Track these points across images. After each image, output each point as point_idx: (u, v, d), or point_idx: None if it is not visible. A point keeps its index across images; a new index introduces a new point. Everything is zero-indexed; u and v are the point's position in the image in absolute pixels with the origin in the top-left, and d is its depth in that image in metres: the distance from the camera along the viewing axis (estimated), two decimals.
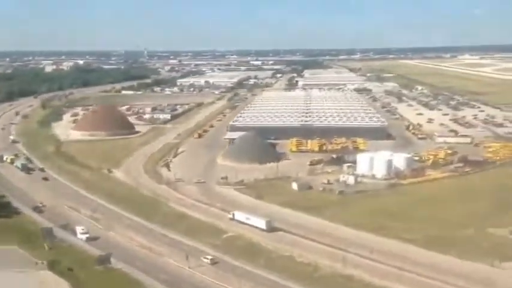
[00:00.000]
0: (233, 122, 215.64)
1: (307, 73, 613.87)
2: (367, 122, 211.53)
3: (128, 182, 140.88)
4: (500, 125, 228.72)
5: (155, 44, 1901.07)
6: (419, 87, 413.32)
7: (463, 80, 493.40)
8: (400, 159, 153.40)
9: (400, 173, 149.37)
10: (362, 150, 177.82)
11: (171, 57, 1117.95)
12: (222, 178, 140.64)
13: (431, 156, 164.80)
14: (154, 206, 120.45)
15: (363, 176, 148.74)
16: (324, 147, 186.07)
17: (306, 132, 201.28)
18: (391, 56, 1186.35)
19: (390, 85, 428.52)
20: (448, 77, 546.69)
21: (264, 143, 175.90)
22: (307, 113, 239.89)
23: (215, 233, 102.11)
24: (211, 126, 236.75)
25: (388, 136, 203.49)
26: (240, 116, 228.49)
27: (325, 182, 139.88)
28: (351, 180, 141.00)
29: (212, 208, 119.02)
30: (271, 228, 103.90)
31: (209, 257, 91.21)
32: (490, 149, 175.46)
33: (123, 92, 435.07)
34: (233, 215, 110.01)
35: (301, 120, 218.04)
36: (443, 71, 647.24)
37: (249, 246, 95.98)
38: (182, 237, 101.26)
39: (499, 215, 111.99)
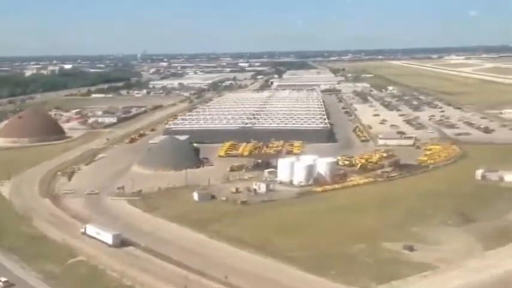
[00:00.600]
0: (168, 125, 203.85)
1: (287, 74, 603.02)
2: (309, 125, 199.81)
3: (6, 196, 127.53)
4: (452, 126, 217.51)
5: (158, 47, 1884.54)
6: (390, 88, 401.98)
7: (440, 80, 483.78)
8: (322, 165, 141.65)
9: (321, 179, 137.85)
10: (296, 154, 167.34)
11: (165, 59, 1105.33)
12: (118, 188, 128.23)
13: (363, 160, 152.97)
14: (10, 225, 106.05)
15: (282, 182, 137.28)
16: (257, 151, 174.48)
17: (244, 135, 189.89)
18: (380, 57, 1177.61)
19: (362, 86, 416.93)
20: (427, 77, 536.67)
21: (185, 148, 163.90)
22: (255, 114, 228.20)
23: (62, 257, 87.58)
24: (153, 130, 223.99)
25: (330, 139, 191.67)
26: (181, 119, 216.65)
27: (234, 190, 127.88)
28: (262, 188, 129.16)
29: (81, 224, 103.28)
30: (119, 243, 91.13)
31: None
32: (428, 152, 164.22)
33: (93, 95, 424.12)
34: (85, 228, 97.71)
35: (242, 123, 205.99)
36: (425, 72, 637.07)
37: (89, 275, 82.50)
38: (18, 266, 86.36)
39: (403, 226, 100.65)
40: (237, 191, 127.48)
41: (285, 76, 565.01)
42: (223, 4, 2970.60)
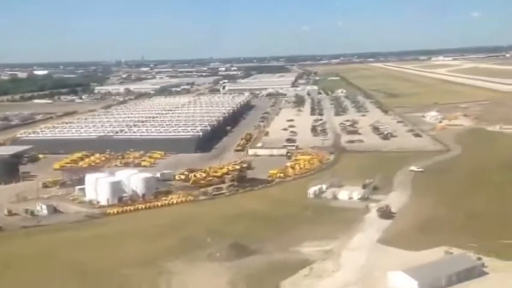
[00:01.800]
0: (20, 134, 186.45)
1: (249, 78, 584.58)
2: (178, 133, 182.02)
3: None
4: (355, 132, 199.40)
5: (159, 53, 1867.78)
6: (339, 91, 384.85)
7: (402, 82, 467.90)
8: (137, 181, 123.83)
9: (135, 197, 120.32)
10: (144, 167, 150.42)
11: (151, 65, 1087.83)
12: None
13: (198, 175, 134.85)
14: None
15: (90, 202, 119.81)
16: (103, 164, 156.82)
17: (102, 145, 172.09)
18: (371, 60, 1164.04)
19: (311, 89, 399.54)
20: (392, 78, 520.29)
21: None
22: (141, 122, 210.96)
23: None
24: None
25: (200, 148, 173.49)
26: (46, 127, 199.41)
27: (6, 213, 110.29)
28: (44, 209, 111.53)
29: None
30: None
31: None
32: (289, 163, 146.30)
33: (35, 100, 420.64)
34: None
35: (102, 132, 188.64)
36: (397, 73, 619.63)
37: None
38: None
39: (157, 261, 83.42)
40: (10, 213, 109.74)
41: (243, 80, 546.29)
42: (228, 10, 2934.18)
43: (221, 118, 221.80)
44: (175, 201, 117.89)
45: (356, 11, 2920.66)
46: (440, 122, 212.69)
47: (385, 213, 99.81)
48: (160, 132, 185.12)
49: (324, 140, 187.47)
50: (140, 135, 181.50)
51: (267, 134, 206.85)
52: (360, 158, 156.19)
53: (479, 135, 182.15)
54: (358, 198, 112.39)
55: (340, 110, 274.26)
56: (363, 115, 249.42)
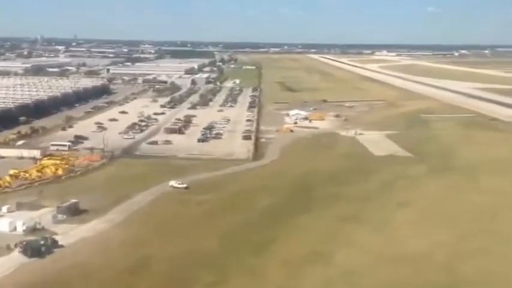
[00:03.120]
0: None
1: (147, 63, 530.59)
2: None
3: None
4: (174, 131, 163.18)
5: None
6: (232, 81, 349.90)
7: (319, 75, 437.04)
8: None
9: None
10: None
11: (74, 44, 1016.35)
12: None
13: None
14: None
15: None
16: None
17: None
18: (312, 50, 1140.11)
19: (199, 77, 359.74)
20: (313, 71, 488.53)
21: None
22: None
23: None
24: None
25: None
26: None
27: None
28: None
29: None
30: None
31: None
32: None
33: None
34: None
35: None
36: (323, 66, 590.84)
37: None
38: None
39: None
40: None
41: (135, 65, 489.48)
42: None
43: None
44: None
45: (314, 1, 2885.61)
46: (295, 122, 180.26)
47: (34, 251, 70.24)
48: None
49: (128, 138, 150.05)
50: None
51: (70, 127, 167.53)
52: (136, 165, 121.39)
53: (319, 142, 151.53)
54: (24, 230, 75.60)
55: (202, 102, 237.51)
56: (220, 110, 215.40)
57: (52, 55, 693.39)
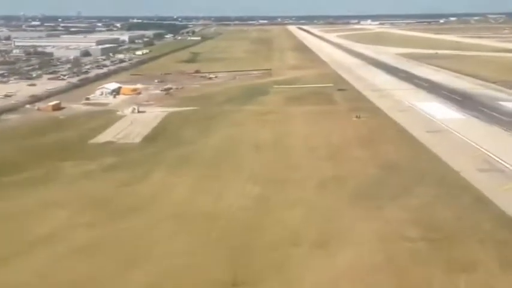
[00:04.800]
0: None
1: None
2: None
3: None
4: None
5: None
6: (141, 52, 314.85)
7: (261, 45, 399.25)
8: None
9: None
10: None
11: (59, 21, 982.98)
12: None
13: None
14: None
15: None
16: None
17: None
18: (302, 22, 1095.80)
19: (95, 48, 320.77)
20: (260, 42, 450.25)
21: None
22: None
23: None
24: None
25: None
26: None
27: None
28: None
29: None
30: None
31: None
32: None
33: None
34: None
35: None
36: (284, 37, 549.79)
37: None
38: None
39: None
40: None
41: (67, 36, 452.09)
42: None
43: None
44: None
45: None
46: (114, 96, 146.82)
47: None
48: None
49: None
50: None
51: None
52: None
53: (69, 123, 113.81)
54: None
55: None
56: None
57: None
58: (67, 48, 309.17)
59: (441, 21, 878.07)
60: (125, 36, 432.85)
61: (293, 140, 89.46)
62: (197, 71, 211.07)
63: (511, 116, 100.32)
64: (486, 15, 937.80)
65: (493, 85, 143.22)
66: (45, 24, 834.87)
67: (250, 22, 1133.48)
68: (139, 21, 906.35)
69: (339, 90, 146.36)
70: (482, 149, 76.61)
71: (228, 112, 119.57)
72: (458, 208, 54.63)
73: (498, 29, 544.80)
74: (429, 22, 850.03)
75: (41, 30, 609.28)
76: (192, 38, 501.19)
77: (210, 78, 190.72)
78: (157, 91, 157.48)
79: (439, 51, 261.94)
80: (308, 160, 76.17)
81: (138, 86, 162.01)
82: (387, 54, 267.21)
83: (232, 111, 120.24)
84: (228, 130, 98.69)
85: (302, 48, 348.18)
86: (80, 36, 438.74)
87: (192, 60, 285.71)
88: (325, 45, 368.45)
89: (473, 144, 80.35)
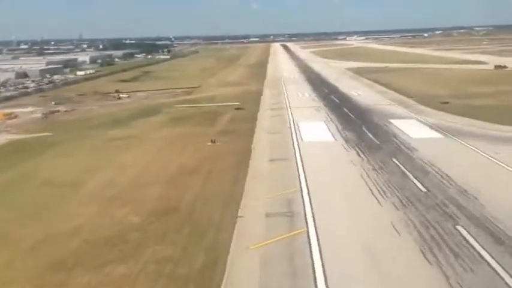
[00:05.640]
0: None
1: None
2: None
3: None
4: None
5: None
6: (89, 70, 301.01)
7: (224, 63, 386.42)
8: None
9: None
10: None
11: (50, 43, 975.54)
12: None
13: None
14: None
15: None
16: None
17: None
18: (294, 39, 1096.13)
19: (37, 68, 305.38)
20: (227, 60, 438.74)
21: None
22: None
23: None
24: None
25: None
26: None
27: None
28: None
29: None
30: None
31: None
32: None
33: None
34: None
35: None
36: (258, 53, 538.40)
37: None
38: None
39: None
40: None
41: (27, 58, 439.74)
42: None
43: None
44: None
45: None
46: None
47: None
48: None
49: None
50: None
51: None
52: None
53: None
54: None
55: None
56: None
57: None
58: (5, 70, 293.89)
59: (425, 35, 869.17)
60: (85, 57, 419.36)
61: (101, 174, 72.04)
62: (117, 91, 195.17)
63: (383, 135, 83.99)
64: (473, 28, 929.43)
65: (407, 100, 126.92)
66: (34, 47, 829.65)
67: (242, 40, 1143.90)
68: (132, 42, 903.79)
69: (237, 109, 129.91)
70: (298, 186, 59.16)
71: (81, 138, 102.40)
72: None
73: (478, 41, 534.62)
74: (413, 36, 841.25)
75: (14, 53, 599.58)
76: (160, 57, 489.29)
77: (119, 98, 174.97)
78: (37, 115, 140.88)
79: (391, 65, 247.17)
80: (72, 204, 58.58)
81: (19, 110, 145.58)
82: (337, 69, 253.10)
83: (89, 137, 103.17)
84: (38, 163, 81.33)
85: (259, 64, 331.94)
86: (40, 57, 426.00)
87: (134, 79, 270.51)
88: (286, 61, 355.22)
89: (301, 175, 63.09)
